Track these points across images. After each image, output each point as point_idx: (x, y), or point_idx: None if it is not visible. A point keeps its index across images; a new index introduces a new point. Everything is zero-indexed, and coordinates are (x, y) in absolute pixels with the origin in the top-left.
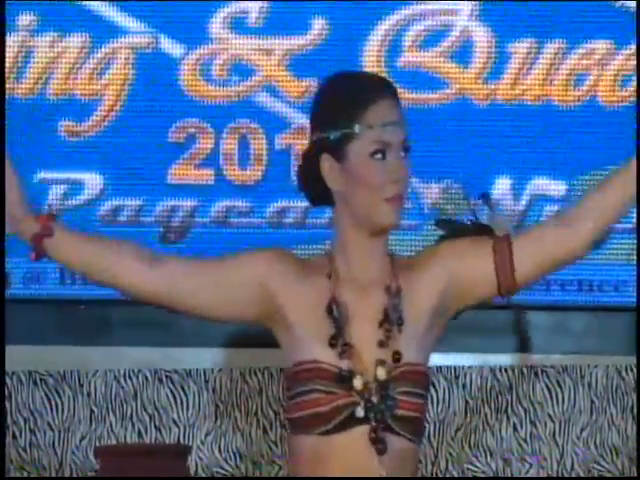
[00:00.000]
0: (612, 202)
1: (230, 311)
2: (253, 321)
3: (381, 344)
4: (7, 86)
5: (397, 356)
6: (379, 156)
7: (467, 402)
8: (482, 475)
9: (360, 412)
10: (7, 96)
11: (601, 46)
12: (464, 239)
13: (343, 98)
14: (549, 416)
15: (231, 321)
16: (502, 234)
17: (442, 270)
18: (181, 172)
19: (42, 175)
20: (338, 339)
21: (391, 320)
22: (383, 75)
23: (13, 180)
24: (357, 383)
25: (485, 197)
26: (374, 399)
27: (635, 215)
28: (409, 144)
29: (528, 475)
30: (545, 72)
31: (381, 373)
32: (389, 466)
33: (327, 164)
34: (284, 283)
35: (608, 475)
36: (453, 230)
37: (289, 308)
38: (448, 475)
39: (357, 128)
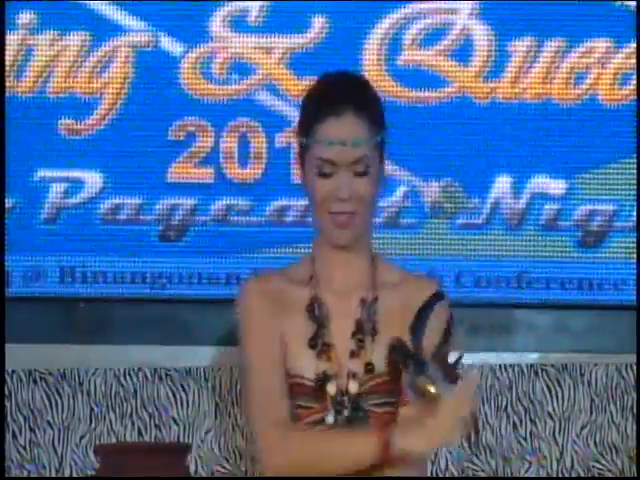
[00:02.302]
0: None
1: None
2: None
3: (352, 354)
4: (7, 84)
5: (369, 367)
6: (323, 174)
7: None
8: (482, 474)
9: (330, 419)
10: (7, 94)
11: (601, 45)
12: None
13: (309, 105)
14: (549, 414)
15: None
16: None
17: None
18: (181, 170)
19: (42, 173)
20: (317, 340)
21: (364, 331)
22: (366, 79)
23: None
24: (330, 389)
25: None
26: (345, 412)
27: (635, 214)
28: (366, 169)
29: (528, 474)
30: (545, 70)
31: (353, 387)
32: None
33: (298, 172)
34: (271, 317)
35: (608, 474)
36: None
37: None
38: (448, 474)
39: (310, 140)
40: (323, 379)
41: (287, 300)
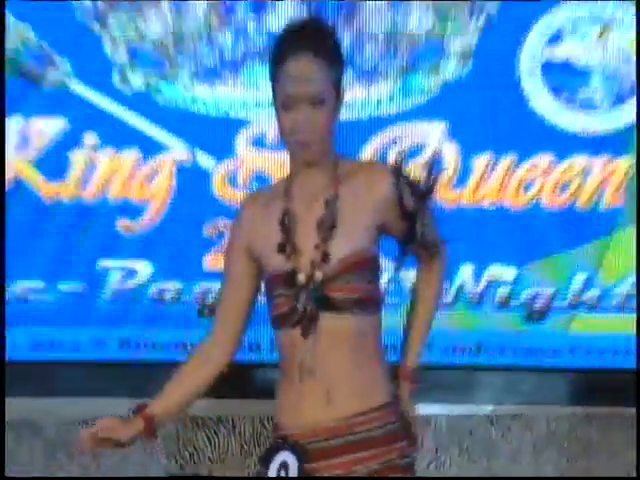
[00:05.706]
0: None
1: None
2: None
3: (316, 247)
4: (75, 192)
5: (326, 255)
6: (285, 107)
7: None
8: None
9: (300, 306)
10: (75, 201)
11: (544, 159)
12: (409, 201)
13: (276, 51)
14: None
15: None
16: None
17: (379, 206)
18: (214, 261)
19: (104, 263)
20: (286, 245)
21: (325, 227)
22: (329, 25)
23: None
24: (301, 278)
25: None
26: (310, 300)
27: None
28: (322, 102)
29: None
30: (500, 180)
31: (318, 275)
32: (321, 343)
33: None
34: (253, 225)
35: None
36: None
37: (258, 240)
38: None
39: (276, 83)
40: (292, 272)
41: (268, 211)
